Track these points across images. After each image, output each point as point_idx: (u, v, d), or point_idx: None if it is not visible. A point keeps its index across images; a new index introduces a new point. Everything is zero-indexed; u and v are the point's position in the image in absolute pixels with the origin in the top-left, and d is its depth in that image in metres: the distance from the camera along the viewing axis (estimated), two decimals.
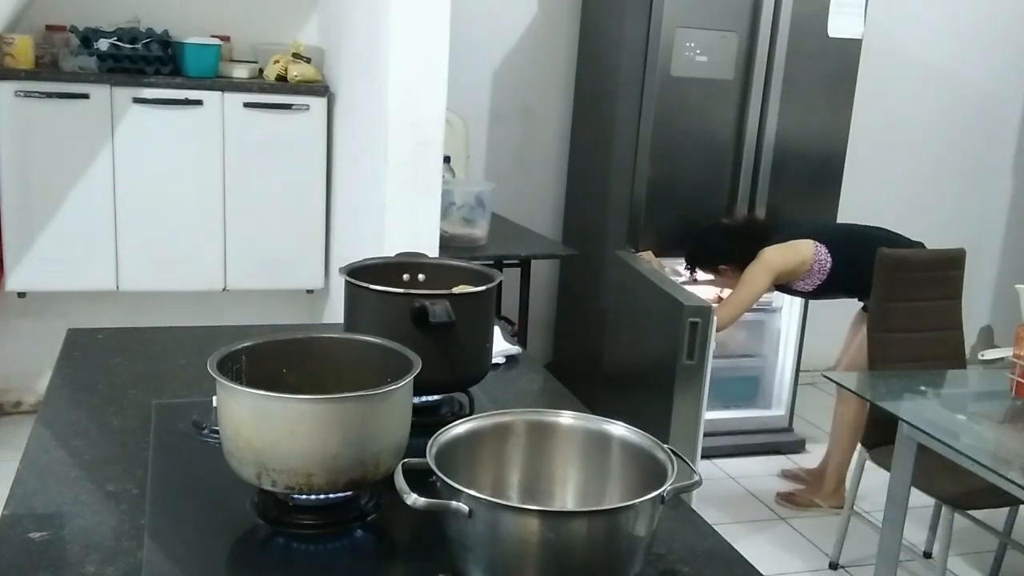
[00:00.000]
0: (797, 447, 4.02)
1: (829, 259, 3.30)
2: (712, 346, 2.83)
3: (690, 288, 3.28)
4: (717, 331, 3.13)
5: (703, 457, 3.78)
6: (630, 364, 3.34)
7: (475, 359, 1.54)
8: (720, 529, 1.29)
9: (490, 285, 1.53)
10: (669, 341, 2.89)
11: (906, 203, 4.75)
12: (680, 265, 3.63)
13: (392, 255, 1.70)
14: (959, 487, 2.64)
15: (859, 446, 3.05)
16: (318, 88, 3.57)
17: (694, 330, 2.77)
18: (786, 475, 3.79)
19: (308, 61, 3.60)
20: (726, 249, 3.42)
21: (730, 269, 3.41)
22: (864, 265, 3.09)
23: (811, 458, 3.91)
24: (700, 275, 3.60)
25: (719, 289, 3.63)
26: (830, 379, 2.86)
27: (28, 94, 3.28)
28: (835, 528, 3.19)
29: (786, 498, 3.56)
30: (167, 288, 3.61)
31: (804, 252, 3.31)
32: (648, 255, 3.58)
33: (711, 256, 3.47)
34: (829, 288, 3.36)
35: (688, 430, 2.88)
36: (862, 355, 3.11)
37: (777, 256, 3.31)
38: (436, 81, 2.87)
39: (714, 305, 3.17)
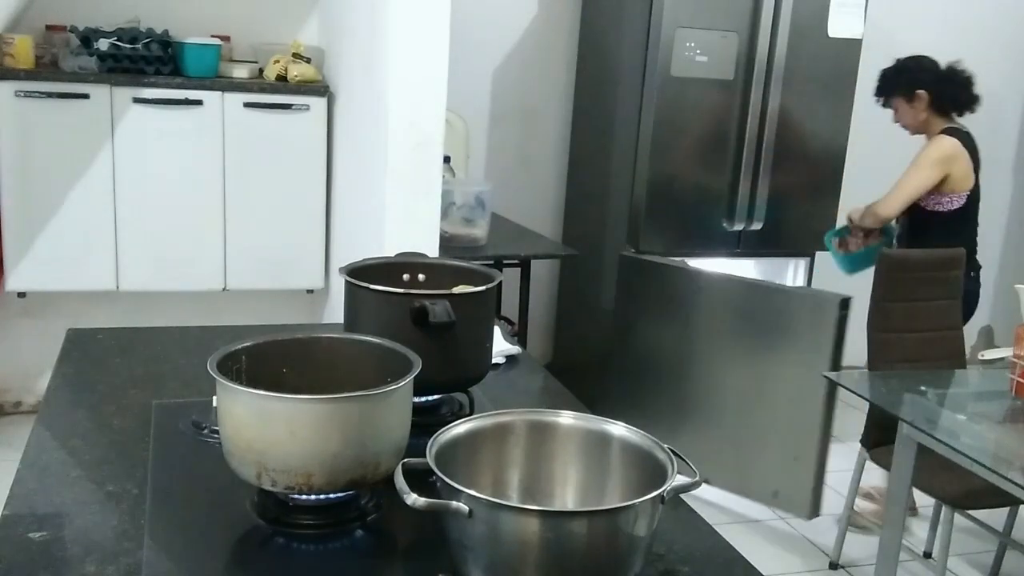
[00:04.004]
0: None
1: (964, 200, 3.26)
2: None
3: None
4: (882, 222, 3.19)
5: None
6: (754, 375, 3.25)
7: (475, 359, 1.54)
8: (720, 529, 1.29)
9: (490, 285, 1.52)
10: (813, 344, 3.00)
11: None
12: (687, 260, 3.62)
13: (392, 255, 1.70)
14: (959, 487, 2.64)
15: (859, 446, 3.05)
16: (318, 88, 3.57)
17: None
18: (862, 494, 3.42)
19: (308, 61, 3.60)
20: (936, 78, 3.34)
21: (924, 99, 3.33)
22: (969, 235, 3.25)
23: None
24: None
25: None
26: (829, 379, 2.86)
27: (28, 94, 3.28)
28: (835, 528, 3.19)
29: (854, 521, 3.26)
30: (167, 288, 3.61)
31: (968, 173, 3.26)
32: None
33: (920, 75, 3.36)
34: (939, 223, 3.30)
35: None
36: None
37: (956, 151, 3.25)
38: (436, 81, 2.87)
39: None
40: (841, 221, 3.81)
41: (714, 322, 3.41)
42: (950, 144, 3.28)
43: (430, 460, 1.06)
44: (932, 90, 3.33)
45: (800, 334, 3.21)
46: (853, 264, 3.49)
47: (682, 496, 1.09)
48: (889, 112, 3.50)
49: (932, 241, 3.28)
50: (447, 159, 3.52)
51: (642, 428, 1.15)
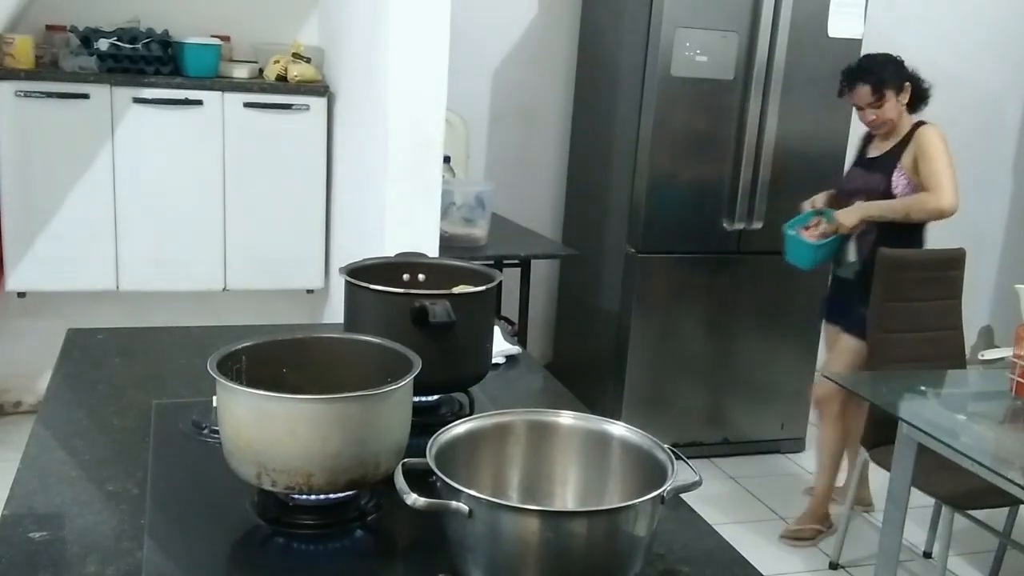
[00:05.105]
0: (796, 447, 4.03)
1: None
2: None
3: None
4: (944, 214, 3.04)
5: (702, 457, 3.79)
6: None
7: (475, 359, 1.54)
8: (720, 529, 1.29)
9: (490, 285, 1.53)
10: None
11: None
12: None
13: (392, 255, 1.70)
14: (959, 487, 2.64)
15: (859, 447, 3.05)
16: (318, 88, 3.57)
17: None
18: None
19: (308, 61, 3.60)
20: (912, 76, 3.19)
21: (909, 92, 3.17)
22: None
23: (809, 458, 3.92)
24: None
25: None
26: (830, 379, 2.86)
27: (28, 94, 3.28)
28: (835, 528, 3.19)
29: (793, 535, 3.33)
30: (167, 288, 3.61)
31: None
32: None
33: (901, 68, 3.17)
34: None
35: None
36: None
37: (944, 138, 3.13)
38: (436, 81, 2.87)
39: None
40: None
41: (730, 300, 3.89)
42: (939, 130, 3.17)
43: (430, 460, 1.06)
44: (913, 83, 3.20)
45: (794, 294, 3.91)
46: (819, 254, 3.31)
47: (682, 496, 1.09)
48: None
49: (892, 238, 3.12)
50: (447, 159, 3.52)
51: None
